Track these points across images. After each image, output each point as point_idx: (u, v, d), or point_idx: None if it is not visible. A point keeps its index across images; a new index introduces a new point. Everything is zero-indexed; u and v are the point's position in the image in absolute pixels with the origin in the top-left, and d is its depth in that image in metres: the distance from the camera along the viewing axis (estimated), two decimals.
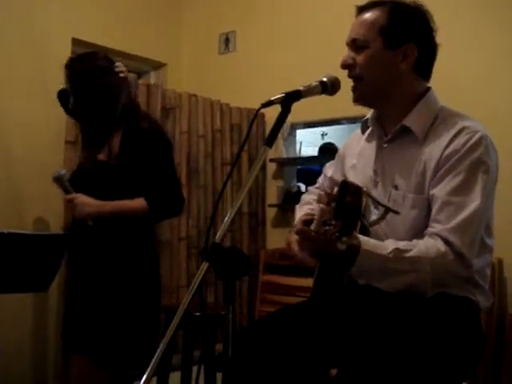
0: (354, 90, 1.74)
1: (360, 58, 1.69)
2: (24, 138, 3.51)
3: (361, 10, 1.73)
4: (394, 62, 1.68)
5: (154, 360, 1.32)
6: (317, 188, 2.08)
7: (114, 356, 2.27)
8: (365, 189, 1.67)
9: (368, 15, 1.70)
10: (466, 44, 3.62)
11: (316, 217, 1.52)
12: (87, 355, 2.29)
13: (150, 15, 4.70)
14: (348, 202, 1.42)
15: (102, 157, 2.39)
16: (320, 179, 2.10)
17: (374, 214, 1.71)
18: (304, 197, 2.06)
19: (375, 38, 1.67)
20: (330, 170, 2.05)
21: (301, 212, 1.93)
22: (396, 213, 1.56)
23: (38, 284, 2.56)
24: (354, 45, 1.70)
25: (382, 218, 1.62)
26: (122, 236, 2.37)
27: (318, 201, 1.72)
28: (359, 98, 1.75)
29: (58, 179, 2.37)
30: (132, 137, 2.38)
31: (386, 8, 1.69)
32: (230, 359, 1.52)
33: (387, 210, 1.60)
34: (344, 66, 1.72)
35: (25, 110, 3.56)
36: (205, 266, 1.32)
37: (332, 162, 2.06)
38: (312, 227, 1.51)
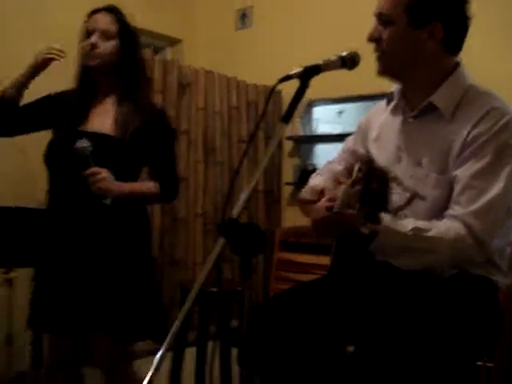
0: (379, 60, 1.71)
1: (385, 34, 1.66)
2: None
3: None
4: (419, 40, 1.64)
5: (169, 335, 1.33)
6: (329, 166, 2.04)
7: (129, 328, 2.24)
8: (392, 174, 1.64)
9: None
10: (498, 38, 3.54)
11: (339, 196, 1.50)
12: (105, 329, 2.24)
13: None
14: (374, 188, 1.40)
15: (108, 129, 2.21)
16: (340, 152, 2.05)
17: (398, 197, 1.68)
18: (311, 181, 2.02)
19: (400, 15, 1.63)
20: (350, 142, 2.02)
21: (314, 179, 1.93)
22: (422, 198, 1.55)
23: None
24: (380, 19, 1.67)
25: (407, 203, 1.61)
26: (119, 214, 2.22)
27: (336, 180, 1.70)
28: (383, 71, 1.73)
29: (81, 151, 2.11)
30: (145, 115, 2.25)
31: None
32: (245, 335, 1.53)
33: (414, 195, 1.58)
34: (370, 39, 1.69)
35: (43, 83, 3.55)
36: (221, 241, 1.32)
37: (352, 135, 2.03)
38: (335, 207, 1.50)
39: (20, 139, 2.39)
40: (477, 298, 1.60)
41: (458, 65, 1.71)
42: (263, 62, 4.53)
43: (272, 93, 1.49)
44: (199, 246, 3.86)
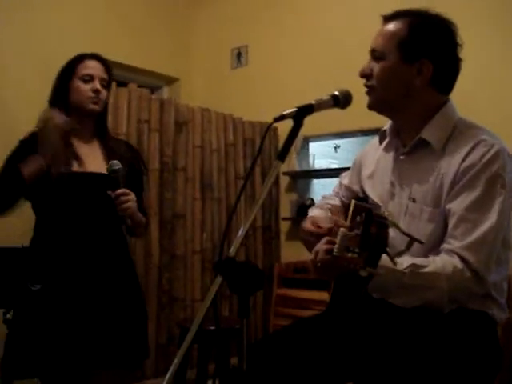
0: (369, 94, 1.75)
1: (376, 69, 1.70)
2: None
3: (385, 19, 1.74)
4: (408, 76, 1.68)
5: (169, 374, 1.32)
6: (326, 200, 2.06)
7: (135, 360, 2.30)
8: (390, 218, 1.66)
9: (390, 26, 1.70)
10: (476, 47, 3.61)
11: (338, 240, 1.51)
12: (111, 368, 2.22)
13: (162, 30, 4.76)
14: (373, 234, 1.41)
15: (103, 169, 2.29)
16: (335, 188, 2.09)
17: (398, 241, 1.68)
18: (310, 213, 2.03)
19: (393, 50, 1.68)
20: (345, 178, 2.04)
21: (313, 211, 1.95)
22: (421, 243, 1.56)
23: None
24: (374, 55, 1.72)
25: (407, 248, 1.61)
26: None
27: (332, 212, 1.71)
28: (372, 104, 1.76)
29: (116, 172, 2.21)
30: (128, 154, 2.44)
31: (407, 20, 1.69)
32: (244, 373, 1.52)
33: (412, 239, 1.59)
34: (362, 75, 1.74)
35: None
36: (219, 280, 1.32)
37: (348, 171, 2.06)
38: (334, 250, 1.51)
39: None
40: (475, 334, 1.60)
41: (447, 101, 1.74)
42: (259, 99, 4.59)
43: (267, 132, 1.52)
44: (197, 283, 3.84)
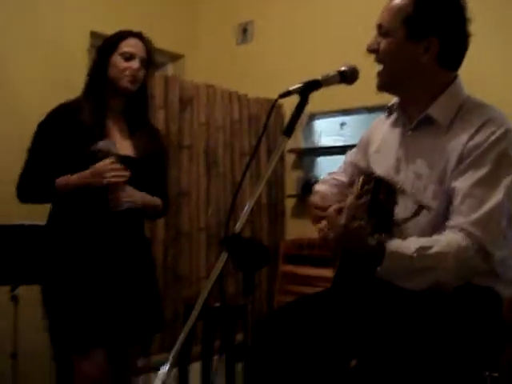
0: (379, 75, 1.74)
1: (382, 45, 1.69)
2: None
3: None
4: (415, 53, 1.66)
5: (174, 351, 1.33)
6: (332, 176, 2.06)
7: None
8: (399, 186, 1.65)
9: (396, 1, 1.68)
10: (483, 30, 3.57)
11: (345, 210, 1.51)
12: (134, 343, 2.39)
13: (166, 6, 4.71)
14: (381, 200, 1.41)
15: (129, 151, 2.30)
16: (341, 166, 2.08)
17: (404, 209, 1.68)
18: (317, 188, 2.03)
19: (398, 27, 1.66)
20: (352, 155, 2.03)
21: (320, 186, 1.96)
22: (429, 209, 1.55)
23: None
24: (380, 30, 1.70)
25: (415, 215, 1.61)
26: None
27: (341, 192, 1.72)
28: (381, 85, 1.75)
29: (106, 151, 2.18)
30: (155, 138, 2.45)
31: None
32: (249, 349, 1.53)
33: (420, 207, 1.58)
34: (369, 49, 1.72)
35: (43, 103, 3.56)
36: (224, 256, 1.32)
37: (354, 149, 2.05)
38: (342, 220, 1.51)
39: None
40: (480, 310, 1.59)
41: (455, 78, 1.72)
42: (264, 75, 4.55)
43: (273, 108, 1.51)
44: (202, 260, 3.85)
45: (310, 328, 1.67)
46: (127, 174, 2.18)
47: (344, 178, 1.99)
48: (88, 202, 2.22)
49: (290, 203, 4.56)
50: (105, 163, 2.14)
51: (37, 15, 3.72)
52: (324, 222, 1.72)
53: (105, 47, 2.32)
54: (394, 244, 1.53)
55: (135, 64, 2.27)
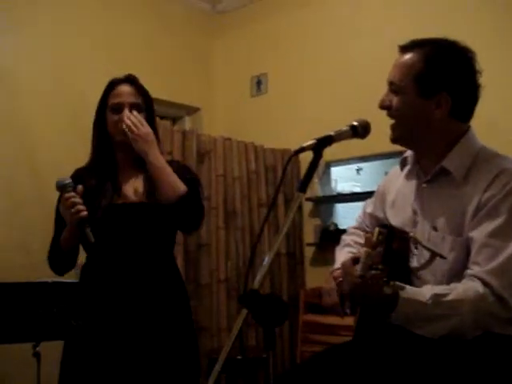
0: (392, 129, 1.76)
1: (395, 102, 1.71)
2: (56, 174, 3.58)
3: (402, 49, 1.74)
4: (427, 110, 1.68)
5: None
6: (355, 228, 2.08)
7: None
8: (411, 234, 1.66)
9: (407, 58, 1.70)
10: (505, 78, 3.62)
11: (362, 259, 1.53)
12: None
13: (182, 60, 4.83)
14: (395, 248, 1.42)
15: (142, 197, 2.19)
16: (359, 217, 2.10)
17: (417, 258, 1.69)
18: (344, 237, 2.06)
19: (409, 84, 1.68)
20: (369, 206, 2.04)
21: (341, 254, 1.93)
22: (443, 257, 1.55)
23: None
24: (391, 87, 1.73)
25: (429, 262, 1.61)
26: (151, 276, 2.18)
27: (365, 243, 1.73)
28: (394, 138, 1.77)
29: (60, 187, 2.08)
30: (178, 167, 2.25)
31: (423, 51, 1.68)
32: None
33: (434, 254, 1.59)
34: (382, 107, 1.75)
35: (57, 148, 3.69)
36: (244, 312, 1.34)
37: (371, 199, 2.06)
38: (358, 270, 1.52)
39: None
40: (503, 360, 1.58)
41: (468, 129, 1.74)
42: (279, 126, 4.63)
43: (288, 164, 1.54)
44: (223, 313, 3.85)
45: (332, 381, 1.66)
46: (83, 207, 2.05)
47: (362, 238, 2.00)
48: (111, 254, 2.17)
49: (309, 252, 4.56)
50: (63, 200, 2.06)
51: (63, 61, 3.88)
52: (338, 272, 1.72)
53: (99, 105, 2.24)
54: (409, 291, 1.53)
55: (123, 115, 2.14)
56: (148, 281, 2.16)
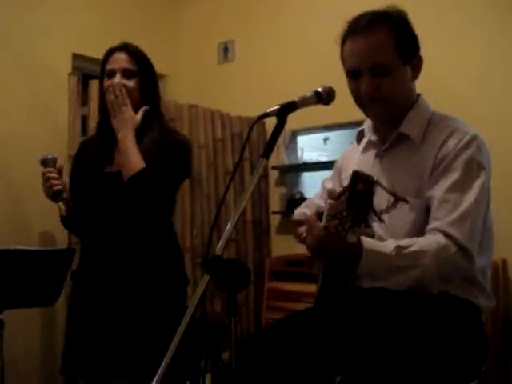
0: (373, 110, 1.75)
1: (386, 83, 1.69)
2: (25, 154, 3.53)
3: (360, 29, 1.70)
4: (409, 75, 1.73)
5: (160, 369, 1.33)
6: (312, 200, 2.08)
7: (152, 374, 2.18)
8: (375, 178, 1.67)
9: (377, 37, 1.68)
10: (459, 46, 3.66)
11: (326, 212, 1.54)
12: (128, 376, 2.20)
13: (148, 28, 4.73)
14: (360, 190, 1.42)
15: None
16: (318, 192, 2.11)
17: (381, 200, 1.71)
18: (302, 205, 2.06)
19: (395, 59, 1.69)
20: (328, 183, 2.06)
21: (300, 210, 1.96)
22: (406, 201, 1.58)
23: (44, 299, 2.57)
24: (375, 71, 1.68)
25: (392, 206, 1.63)
26: (143, 247, 2.24)
27: (328, 196, 1.73)
28: (378, 117, 1.78)
29: (44, 162, 2.24)
30: (167, 145, 2.26)
31: (387, 25, 1.69)
32: (234, 369, 1.53)
33: (397, 198, 1.61)
34: (372, 97, 1.71)
35: (25, 126, 3.59)
36: (206, 278, 1.33)
37: (330, 175, 2.08)
38: (322, 223, 1.53)
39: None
40: (461, 324, 1.62)
41: (419, 95, 1.79)
42: (246, 94, 4.60)
43: (251, 131, 1.53)
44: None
45: (295, 347, 1.68)
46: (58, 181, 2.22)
47: (322, 202, 2.01)
48: (96, 222, 2.28)
49: (274, 220, 4.58)
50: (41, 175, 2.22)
51: (17, 37, 3.72)
52: (303, 227, 1.71)
53: (100, 73, 2.31)
54: (373, 243, 1.56)
55: (115, 79, 2.21)
56: (133, 249, 2.21)
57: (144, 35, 4.64)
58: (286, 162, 4.46)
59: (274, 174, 4.56)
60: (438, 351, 1.54)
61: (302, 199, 4.22)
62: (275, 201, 4.55)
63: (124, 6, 4.54)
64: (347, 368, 1.60)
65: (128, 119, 2.18)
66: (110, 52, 2.30)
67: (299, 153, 4.53)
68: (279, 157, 4.39)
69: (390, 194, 1.61)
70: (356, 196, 1.38)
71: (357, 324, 1.67)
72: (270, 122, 1.45)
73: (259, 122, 1.52)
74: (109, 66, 2.26)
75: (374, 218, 1.55)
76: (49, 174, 2.19)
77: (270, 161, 1.47)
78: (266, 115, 1.46)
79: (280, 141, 4.30)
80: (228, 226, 1.39)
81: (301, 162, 4.50)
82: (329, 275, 1.74)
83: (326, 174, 2.15)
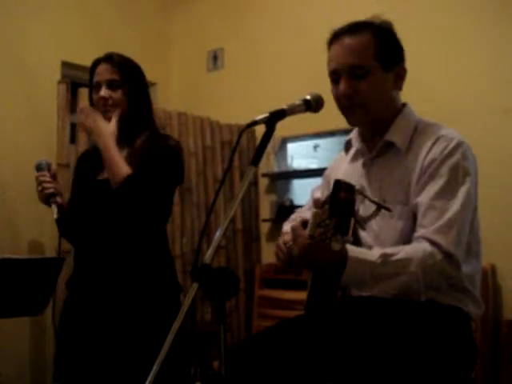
0: (353, 115, 1.75)
1: (364, 86, 1.69)
2: (14, 162, 3.52)
3: (342, 33, 1.73)
4: (391, 83, 1.74)
5: (149, 378, 1.32)
6: (298, 214, 2.08)
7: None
8: (357, 187, 1.68)
9: (356, 41, 1.70)
10: (443, 48, 3.69)
11: (310, 220, 1.54)
12: None
13: (137, 35, 4.74)
14: (341, 198, 1.43)
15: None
16: (307, 203, 2.11)
17: (364, 208, 1.73)
18: (292, 216, 2.06)
19: (373, 64, 1.70)
20: (317, 192, 2.06)
21: (288, 223, 1.95)
22: (388, 210, 1.58)
23: (33, 307, 2.56)
24: (353, 72, 1.70)
25: (374, 214, 1.64)
26: (137, 261, 2.22)
27: (313, 205, 1.73)
28: (358, 122, 1.79)
29: (38, 168, 2.28)
30: (157, 150, 2.24)
31: (369, 31, 1.71)
32: (224, 377, 1.53)
33: (379, 206, 1.62)
34: (347, 96, 1.71)
35: (15, 133, 3.58)
36: (195, 286, 1.33)
37: (319, 185, 2.08)
38: (307, 231, 1.53)
39: None
40: (450, 332, 1.62)
41: (404, 103, 1.81)
42: (235, 102, 4.60)
43: (240, 138, 1.53)
44: None
45: (285, 355, 1.67)
46: (50, 185, 2.25)
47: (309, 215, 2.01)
48: (87, 228, 2.28)
49: (264, 227, 4.58)
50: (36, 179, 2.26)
51: (6, 45, 3.73)
52: (288, 235, 1.70)
53: (89, 86, 2.32)
54: (358, 251, 1.56)
55: (101, 92, 2.22)
56: (125, 257, 2.20)
57: (133, 43, 4.66)
58: (276, 169, 4.46)
59: (263, 182, 4.57)
60: (427, 359, 1.54)
61: (292, 207, 4.23)
62: (265, 208, 4.55)
63: (113, 13, 4.55)
64: (337, 376, 1.59)
65: (101, 129, 2.19)
66: (95, 64, 2.30)
67: (289, 160, 4.54)
68: (269, 164, 4.39)
69: (372, 203, 1.62)
70: (338, 204, 1.39)
71: (346, 332, 1.66)
72: (260, 130, 1.45)
73: (248, 130, 1.52)
74: (95, 79, 2.26)
75: (357, 225, 1.56)
76: (40, 178, 2.25)
77: (259, 168, 1.47)
78: (255, 123, 1.46)
79: (270, 148, 4.32)
80: (217, 233, 1.38)
81: (291, 170, 4.51)
82: (317, 283, 1.74)
83: (316, 181, 2.15)
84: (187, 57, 5.03)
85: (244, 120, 1.54)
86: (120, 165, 2.13)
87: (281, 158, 4.52)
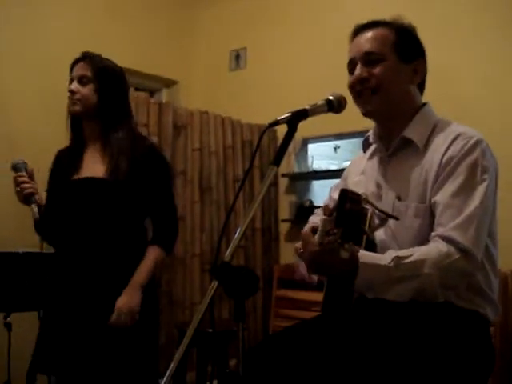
0: (368, 102, 1.74)
1: (377, 70, 1.71)
2: (36, 154, 3.54)
3: (364, 28, 1.76)
4: (407, 75, 1.74)
5: (166, 377, 1.33)
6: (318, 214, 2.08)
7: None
8: (364, 195, 1.68)
9: (375, 32, 1.73)
10: (469, 48, 3.66)
11: (319, 227, 1.54)
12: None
13: (161, 33, 4.77)
14: (347, 209, 1.43)
15: (100, 173, 2.26)
16: (325, 201, 2.11)
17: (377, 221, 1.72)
18: (311, 218, 2.07)
19: (390, 52, 1.71)
20: (335, 192, 2.05)
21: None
22: (395, 218, 1.57)
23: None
24: (368, 58, 1.72)
25: (381, 224, 1.62)
26: (117, 256, 2.26)
27: (323, 212, 1.74)
28: (373, 111, 1.76)
29: (15, 168, 2.26)
30: (134, 151, 2.28)
31: (390, 26, 1.75)
32: (241, 376, 1.53)
33: (387, 215, 1.61)
34: (360, 79, 1.72)
35: (39, 126, 3.66)
36: (214, 284, 1.34)
37: (338, 183, 2.08)
38: (316, 238, 1.54)
39: None
40: (468, 335, 1.60)
41: (425, 103, 1.80)
42: (257, 101, 4.60)
43: (261, 138, 1.54)
44: (196, 286, 3.86)
45: (302, 355, 1.67)
46: (28, 185, 2.23)
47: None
48: (65, 228, 2.30)
49: (283, 228, 4.57)
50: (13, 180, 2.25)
51: (31, 39, 3.79)
52: (300, 243, 1.71)
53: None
54: (370, 256, 1.54)
55: (71, 86, 2.29)
56: (102, 255, 2.23)
57: (158, 41, 4.70)
58: (296, 169, 4.46)
59: (283, 182, 4.56)
60: (444, 362, 1.53)
61: (312, 207, 4.22)
62: (285, 208, 4.55)
63: (139, 11, 4.58)
64: (354, 378, 1.59)
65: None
66: (74, 63, 2.36)
67: (309, 161, 4.53)
68: (289, 164, 4.39)
69: (380, 212, 1.61)
70: (343, 214, 1.39)
71: (363, 335, 1.65)
72: (281, 130, 1.46)
73: (270, 130, 1.53)
74: (71, 75, 2.33)
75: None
76: (18, 179, 2.23)
77: (279, 168, 1.47)
78: (277, 123, 1.47)
79: (290, 148, 4.32)
80: (237, 232, 1.39)
81: (311, 170, 4.50)
82: (333, 284, 1.73)
83: (335, 182, 2.15)
84: (210, 56, 5.05)
85: (265, 120, 1.54)
86: (156, 262, 2.31)
87: (301, 159, 4.51)
